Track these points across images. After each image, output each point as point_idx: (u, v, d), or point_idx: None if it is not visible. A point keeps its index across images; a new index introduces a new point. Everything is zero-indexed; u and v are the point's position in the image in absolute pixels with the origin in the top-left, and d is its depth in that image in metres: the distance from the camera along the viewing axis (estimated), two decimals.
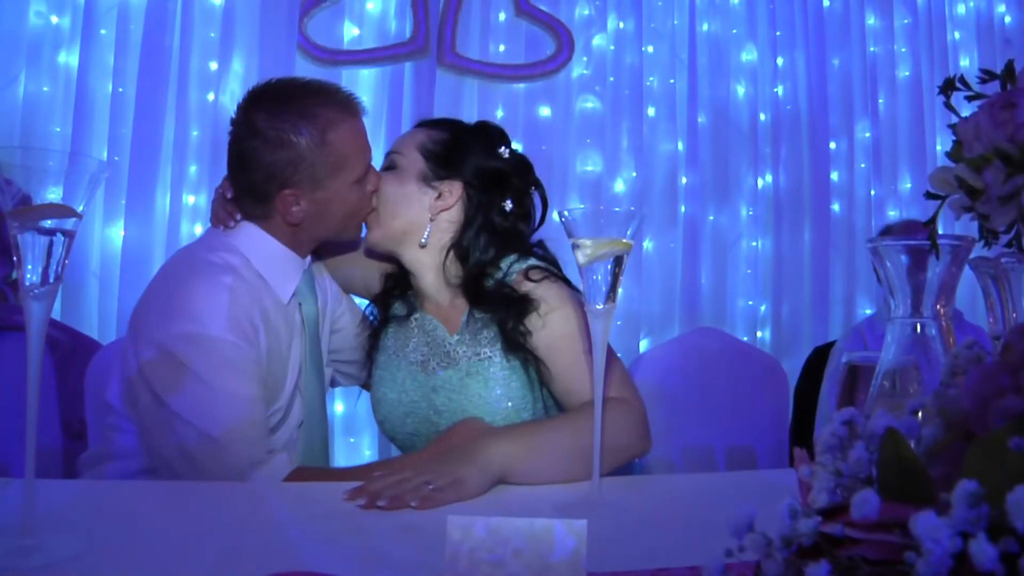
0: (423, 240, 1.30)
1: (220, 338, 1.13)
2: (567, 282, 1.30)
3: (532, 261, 1.31)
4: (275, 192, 1.23)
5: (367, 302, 1.47)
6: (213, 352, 1.12)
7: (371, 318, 1.45)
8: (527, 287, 1.27)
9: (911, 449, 0.43)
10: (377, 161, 1.36)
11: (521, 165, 1.36)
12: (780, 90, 3.15)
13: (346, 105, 1.27)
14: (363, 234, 1.38)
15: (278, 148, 1.21)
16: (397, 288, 1.41)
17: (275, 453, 1.15)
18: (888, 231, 2.50)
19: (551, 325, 1.24)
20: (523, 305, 1.25)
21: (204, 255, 1.23)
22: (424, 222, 1.30)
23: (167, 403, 1.11)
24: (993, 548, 0.34)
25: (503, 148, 1.34)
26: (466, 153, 1.31)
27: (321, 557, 0.72)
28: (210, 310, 1.14)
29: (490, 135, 1.36)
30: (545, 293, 1.26)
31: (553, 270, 1.31)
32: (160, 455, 1.15)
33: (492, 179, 1.32)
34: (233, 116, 1.26)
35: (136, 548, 0.74)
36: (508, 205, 1.32)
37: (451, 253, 1.31)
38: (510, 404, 1.26)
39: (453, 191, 1.31)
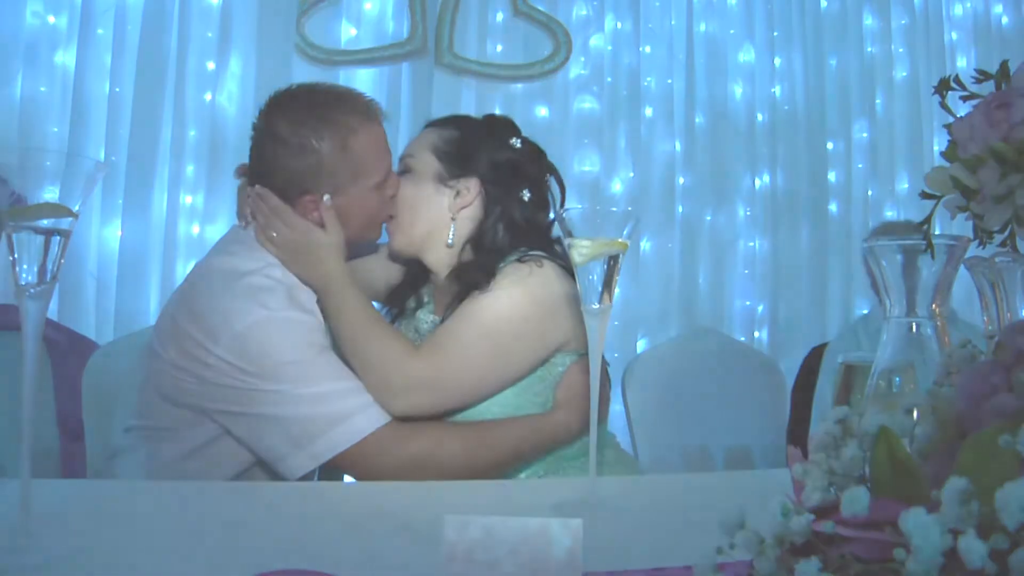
0: (449, 240, 1.31)
1: (287, 318, 1.15)
2: (568, 280, 1.22)
3: (538, 253, 1.27)
4: (296, 198, 1.23)
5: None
6: (287, 329, 1.14)
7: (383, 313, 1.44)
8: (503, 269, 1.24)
9: (904, 448, 0.43)
10: None
11: (533, 153, 1.36)
12: (778, 90, 3.15)
13: (367, 111, 1.28)
14: (382, 239, 1.38)
15: (299, 154, 1.21)
16: (413, 281, 1.41)
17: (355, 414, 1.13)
18: (873, 235, 2.51)
19: (476, 298, 1.21)
20: (476, 278, 1.23)
21: (248, 253, 1.23)
22: (446, 222, 1.31)
23: (262, 390, 1.11)
24: (982, 545, 0.34)
25: (514, 139, 1.35)
26: (478, 148, 1.32)
27: (317, 557, 0.72)
28: (272, 292, 1.16)
29: (500, 127, 1.37)
30: (506, 277, 1.22)
31: (555, 260, 1.26)
32: (260, 445, 1.14)
33: (507, 170, 1.32)
34: (255, 122, 1.26)
35: (132, 548, 0.74)
36: (526, 195, 1.32)
37: (467, 247, 1.31)
38: (497, 409, 1.23)
39: (471, 188, 1.31)
